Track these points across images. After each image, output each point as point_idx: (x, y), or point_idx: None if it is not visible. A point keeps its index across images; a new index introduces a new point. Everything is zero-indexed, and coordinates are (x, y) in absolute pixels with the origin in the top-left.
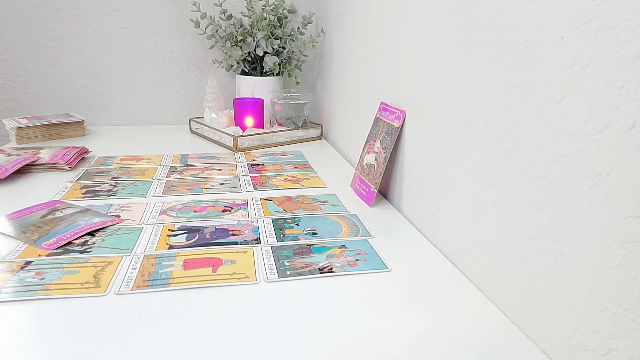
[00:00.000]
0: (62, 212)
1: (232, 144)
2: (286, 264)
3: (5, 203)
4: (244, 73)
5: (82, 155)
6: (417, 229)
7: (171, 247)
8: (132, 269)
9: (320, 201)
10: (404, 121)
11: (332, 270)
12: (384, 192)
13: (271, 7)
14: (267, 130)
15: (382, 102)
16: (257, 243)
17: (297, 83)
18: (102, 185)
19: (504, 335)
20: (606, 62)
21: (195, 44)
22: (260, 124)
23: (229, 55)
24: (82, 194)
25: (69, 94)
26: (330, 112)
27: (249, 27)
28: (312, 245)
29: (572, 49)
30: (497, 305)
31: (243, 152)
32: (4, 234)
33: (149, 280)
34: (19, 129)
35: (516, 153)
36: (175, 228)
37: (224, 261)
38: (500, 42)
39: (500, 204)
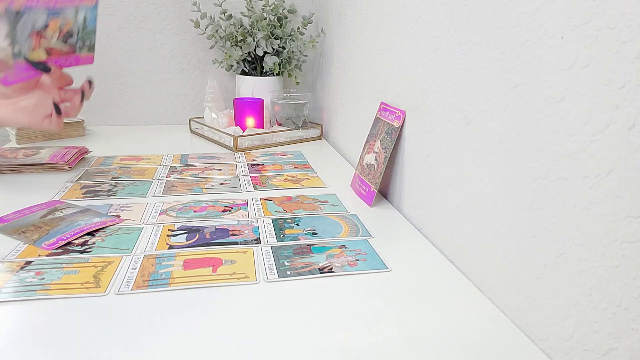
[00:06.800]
0: (62, 212)
1: (232, 144)
2: (286, 264)
3: (5, 203)
4: (244, 73)
5: (82, 155)
6: (417, 229)
7: (171, 247)
8: (132, 269)
9: (320, 201)
10: (404, 121)
11: (332, 270)
12: (384, 192)
13: (271, 7)
14: (267, 130)
15: (382, 102)
16: (257, 243)
17: (297, 83)
18: (102, 185)
19: (504, 335)
20: (606, 62)
21: (195, 44)
22: (260, 124)
23: (229, 55)
24: (82, 194)
25: None
26: (330, 112)
27: (249, 27)
28: (312, 245)
29: (572, 49)
30: (497, 305)
31: (243, 152)
32: (4, 234)
33: (149, 280)
34: (19, 128)
35: (516, 153)
36: (175, 228)
37: (224, 261)
38: (500, 42)
39: (500, 204)
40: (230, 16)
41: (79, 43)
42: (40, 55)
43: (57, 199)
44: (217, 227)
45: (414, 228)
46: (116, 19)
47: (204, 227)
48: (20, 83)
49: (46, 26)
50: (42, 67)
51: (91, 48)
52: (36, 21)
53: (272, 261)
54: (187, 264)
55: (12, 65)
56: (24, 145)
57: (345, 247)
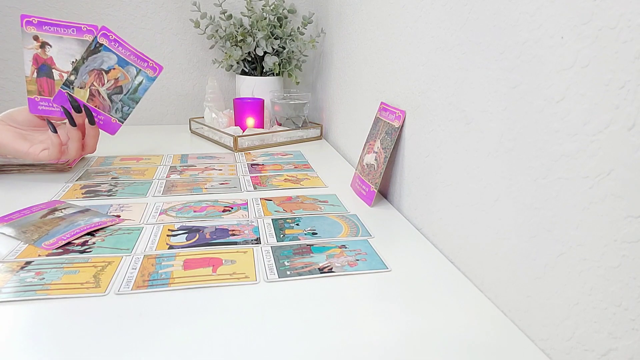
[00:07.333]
0: (62, 212)
1: (232, 144)
2: (286, 264)
3: (5, 203)
4: (244, 73)
5: (82, 155)
6: (417, 229)
7: (171, 247)
8: (132, 269)
9: (320, 201)
10: (404, 121)
11: (332, 270)
12: (384, 192)
13: (271, 7)
14: (267, 130)
15: (382, 102)
16: (257, 243)
17: (297, 83)
18: (102, 185)
19: (504, 335)
20: (606, 62)
21: (195, 44)
22: (260, 124)
23: (229, 55)
24: (82, 194)
25: None
26: (330, 112)
27: (249, 27)
28: (312, 245)
29: (572, 49)
30: (497, 305)
31: (243, 152)
32: (4, 234)
33: (149, 280)
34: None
35: (516, 153)
36: (175, 228)
37: (224, 261)
38: (500, 42)
39: (500, 204)
40: (230, 16)
41: (119, 104)
42: (82, 95)
43: (57, 199)
44: (217, 227)
45: (414, 228)
46: (116, 19)
47: (204, 227)
48: (40, 117)
49: (108, 70)
50: (76, 107)
51: (123, 117)
52: (105, 61)
53: (272, 261)
54: (187, 264)
55: (54, 92)
56: None
57: (345, 247)
